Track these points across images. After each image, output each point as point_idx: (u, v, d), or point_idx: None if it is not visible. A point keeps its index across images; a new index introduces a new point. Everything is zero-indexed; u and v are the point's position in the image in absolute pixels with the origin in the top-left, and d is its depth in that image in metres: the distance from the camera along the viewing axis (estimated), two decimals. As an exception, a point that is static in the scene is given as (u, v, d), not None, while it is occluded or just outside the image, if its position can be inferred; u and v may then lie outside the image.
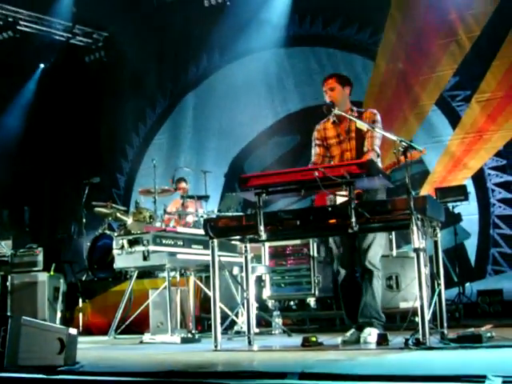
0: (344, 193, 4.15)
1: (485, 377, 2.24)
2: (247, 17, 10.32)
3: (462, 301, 7.22)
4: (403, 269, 6.63)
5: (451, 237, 7.70)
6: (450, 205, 7.79)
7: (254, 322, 5.01)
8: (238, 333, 6.11)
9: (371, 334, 4.52)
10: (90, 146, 12.01)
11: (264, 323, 6.84)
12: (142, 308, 6.45)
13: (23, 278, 7.66)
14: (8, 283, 7.65)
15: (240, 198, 7.87)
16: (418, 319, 3.94)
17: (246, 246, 4.89)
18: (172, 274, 6.23)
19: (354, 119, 4.72)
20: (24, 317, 3.29)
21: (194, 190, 8.86)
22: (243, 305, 5.19)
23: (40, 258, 7.72)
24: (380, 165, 4.70)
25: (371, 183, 4.30)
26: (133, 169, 12.10)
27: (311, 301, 7.01)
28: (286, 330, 6.01)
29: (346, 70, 9.01)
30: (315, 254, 6.99)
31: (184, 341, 5.56)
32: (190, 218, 7.63)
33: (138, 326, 6.58)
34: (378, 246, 4.75)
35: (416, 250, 3.98)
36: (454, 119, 8.86)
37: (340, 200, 4.48)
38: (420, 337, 3.88)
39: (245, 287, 4.91)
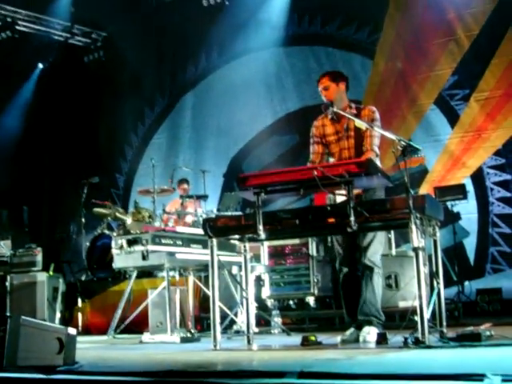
0: (343, 192, 4.15)
1: (484, 375, 2.24)
2: (246, 16, 10.33)
3: (461, 299, 7.21)
4: (402, 268, 6.62)
5: (450, 236, 7.70)
6: (448, 204, 7.80)
7: (253, 321, 5.01)
8: (237, 332, 6.12)
9: (370, 333, 4.51)
10: (89, 145, 12.00)
11: (263, 322, 6.84)
12: (141, 308, 6.43)
13: (22, 278, 7.65)
14: (7, 283, 7.63)
15: (239, 197, 7.86)
16: (417, 318, 3.94)
17: (245, 246, 4.88)
18: (171, 273, 6.21)
19: (353, 118, 4.69)
20: (23, 317, 3.28)
21: (192, 190, 8.88)
22: (242, 304, 5.19)
23: (39, 258, 7.71)
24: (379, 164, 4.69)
25: (370, 182, 4.29)
26: (132, 169, 12.08)
27: (310, 300, 7.00)
28: (285, 330, 6.02)
29: (344, 68, 8.96)
30: (314, 253, 6.98)
31: (183, 340, 5.57)
32: (188, 219, 7.63)
33: (137, 325, 6.58)
34: (379, 243, 4.74)
35: (415, 249, 3.98)
36: (453, 118, 8.85)
37: (340, 199, 4.48)
38: (419, 336, 3.88)
39: (244, 286, 4.90)
